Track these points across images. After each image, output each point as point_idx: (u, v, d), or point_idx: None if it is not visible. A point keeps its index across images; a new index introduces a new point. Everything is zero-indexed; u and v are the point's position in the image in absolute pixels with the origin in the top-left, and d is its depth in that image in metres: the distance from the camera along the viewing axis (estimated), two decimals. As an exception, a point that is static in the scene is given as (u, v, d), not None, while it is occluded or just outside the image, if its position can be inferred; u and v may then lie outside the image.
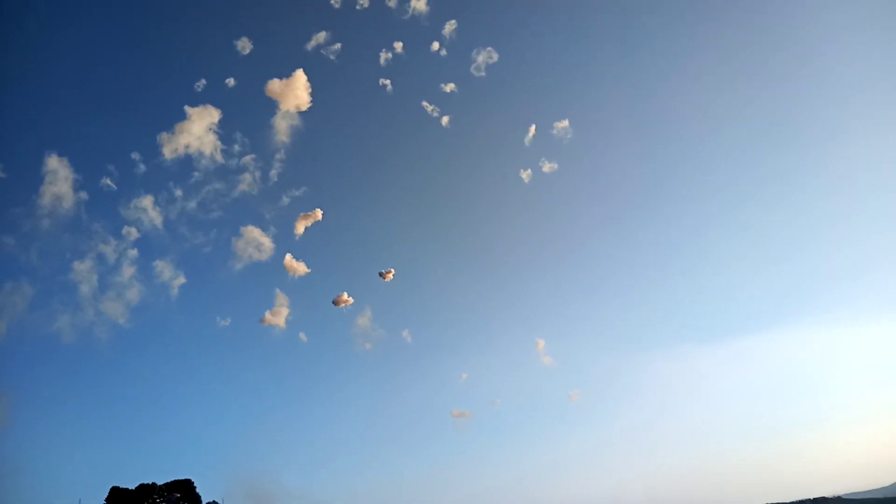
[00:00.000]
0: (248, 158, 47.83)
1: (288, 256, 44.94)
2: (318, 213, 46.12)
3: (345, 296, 43.62)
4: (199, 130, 45.86)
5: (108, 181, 44.89)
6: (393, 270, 45.29)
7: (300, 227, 46.10)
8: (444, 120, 50.32)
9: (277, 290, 45.94)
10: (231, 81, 45.68)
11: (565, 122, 53.49)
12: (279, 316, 45.68)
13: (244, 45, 45.28)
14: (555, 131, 53.36)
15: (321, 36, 47.79)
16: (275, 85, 46.05)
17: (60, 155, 44.77)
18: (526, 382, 46.22)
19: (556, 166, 52.93)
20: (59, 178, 45.34)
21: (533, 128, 52.67)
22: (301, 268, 45.54)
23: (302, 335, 45.96)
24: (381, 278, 45.15)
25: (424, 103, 49.98)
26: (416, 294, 46.61)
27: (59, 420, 40.12)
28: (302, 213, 46.32)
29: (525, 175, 52.89)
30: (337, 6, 48.33)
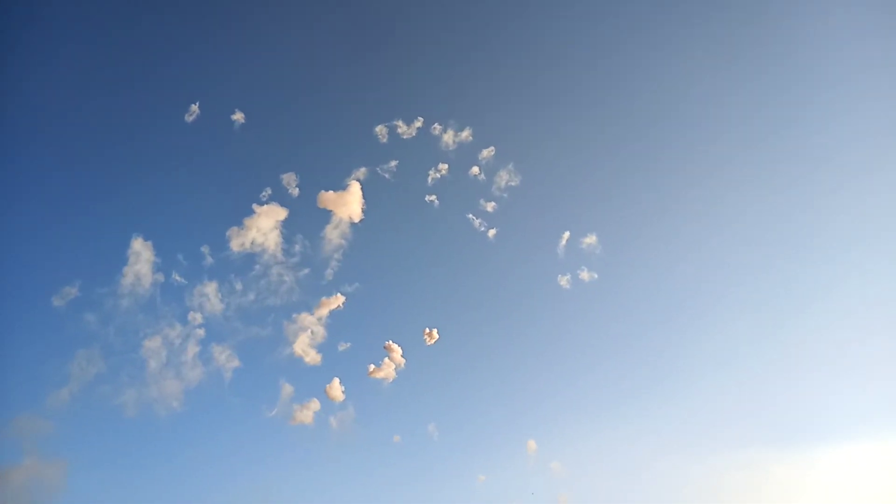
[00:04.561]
0: (305, 258, 53.12)
1: (300, 340, 48.07)
2: (340, 299, 49.69)
3: (336, 389, 46.91)
4: (266, 226, 51.30)
5: (177, 275, 50.73)
6: (436, 335, 48.78)
7: (323, 311, 49.68)
8: (491, 233, 54.38)
9: (283, 382, 48.54)
10: (295, 192, 51.95)
11: (593, 238, 56.18)
12: (308, 411, 48.11)
13: (289, 180, 51.56)
14: (584, 245, 55.97)
15: (362, 172, 53.71)
16: (328, 196, 51.55)
17: (146, 239, 51.34)
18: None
19: (595, 275, 55.22)
20: (142, 260, 51.08)
21: (567, 234, 55.49)
22: (312, 355, 48.70)
23: (332, 421, 48.58)
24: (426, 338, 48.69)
25: (470, 216, 54.46)
26: (447, 389, 48.21)
27: (114, 488, 43.38)
28: (324, 298, 49.98)
29: (563, 281, 55.48)
30: (383, 140, 54.52)
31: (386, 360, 49.79)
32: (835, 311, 56.71)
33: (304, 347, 48.94)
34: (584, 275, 54.75)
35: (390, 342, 50.16)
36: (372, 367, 49.34)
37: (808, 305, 57.37)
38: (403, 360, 49.92)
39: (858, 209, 57.93)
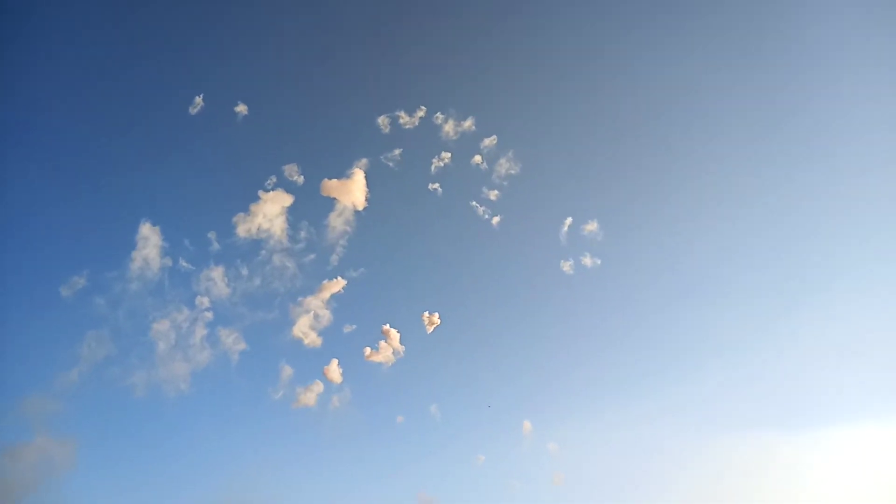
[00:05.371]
0: (311, 244, 53.70)
1: (301, 322, 48.64)
2: (341, 282, 50.17)
3: (334, 371, 47.65)
4: (272, 212, 51.81)
5: (184, 260, 51.45)
6: (437, 319, 49.31)
7: (325, 294, 50.32)
8: (495, 220, 54.75)
9: (283, 364, 49.20)
10: (300, 179, 52.48)
11: (595, 224, 56.41)
12: (311, 393, 48.95)
13: (291, 171, 51.93)
14: (585, 232, 56.26)
15: (364, 161, 54.03)
16: (332, 184, 51.95)
17: (154, 224, 52.12)
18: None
19: (598, 261, 55.55)
20: (150, 245, 51.77)
21: (569, 221, 55.76)
22: (312, 337, 49.39)
23: (335, 400, 49.54)
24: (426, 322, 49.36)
25: (473, 203, 54.78)
26: (449, 371, 48.99)
27: (122, 467, 44.79)
28: (326, 281, 50.47)
29: (566, 267, 55.84)
30: (386, 131, 54.73)
31: (382, 343, 50.54)
32: (841, 297, 56.72)
33: (305, 329, 49.83)
34: (587, 260, 55.07)
35: (388, 327, 50.91)
36: (368, 350, 50.11)
37: (814, 290, 57.48)
38: (402, 347, 50.65)
39: (866, 193, 57.81)
